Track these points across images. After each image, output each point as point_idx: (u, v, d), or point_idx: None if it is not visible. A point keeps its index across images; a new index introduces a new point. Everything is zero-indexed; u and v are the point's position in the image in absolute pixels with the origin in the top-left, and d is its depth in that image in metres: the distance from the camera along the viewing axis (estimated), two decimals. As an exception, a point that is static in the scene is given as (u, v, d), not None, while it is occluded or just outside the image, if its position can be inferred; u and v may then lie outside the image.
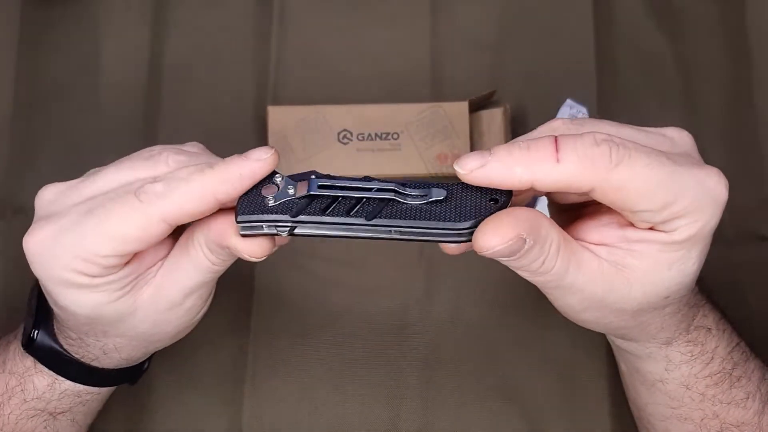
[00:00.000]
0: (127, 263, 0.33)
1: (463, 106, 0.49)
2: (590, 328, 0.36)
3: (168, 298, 0.35)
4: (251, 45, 0.53)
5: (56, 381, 0.39)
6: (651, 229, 0.31)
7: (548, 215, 0.33)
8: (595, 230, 0.32)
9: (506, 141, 0.49)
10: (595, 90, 0.52)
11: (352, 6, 0.54)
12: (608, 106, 0.52)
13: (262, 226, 0.31)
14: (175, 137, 0.52)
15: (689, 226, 0.30)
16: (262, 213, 0.31)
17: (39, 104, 0.53)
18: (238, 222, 0.31)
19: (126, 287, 0.34)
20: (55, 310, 0.36)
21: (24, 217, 0.51)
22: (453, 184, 0.31)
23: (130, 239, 0.32)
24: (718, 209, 0.31)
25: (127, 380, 0.42)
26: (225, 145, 0.52)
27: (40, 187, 0.51)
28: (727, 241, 0.50)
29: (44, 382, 0.39)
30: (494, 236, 0.29)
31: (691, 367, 0.38)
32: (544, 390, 0.48)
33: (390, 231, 0.31)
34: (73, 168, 0.52)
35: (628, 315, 0.34)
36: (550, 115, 0.52)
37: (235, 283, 0.50)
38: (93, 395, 0.40)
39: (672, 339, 0.37)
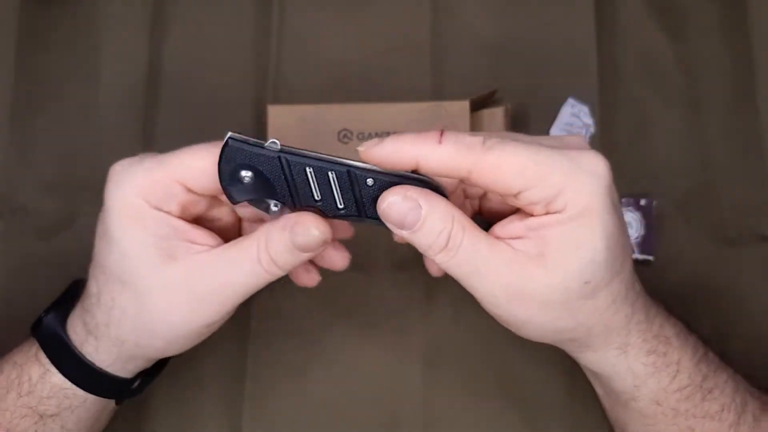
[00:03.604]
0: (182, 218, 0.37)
1: (464, 106, 0.49)
2: (538, 339, 0.37)
3: (197, 291, 0.36)
4: (251, 45, 0.53)
5: (48, 372, 0.39)
6: (548, 214, 0.34)
7: None
8: (503, 228, 0.36)
9: (507, 140, 0.49)
10: (597, 89, 0.52)
11: (352, 5, 0.54)
12: (610, 105, 0.52)
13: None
14: (174, 137, 0.52)
15: (575, 201, 0.33)
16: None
17: (38, 104, 0.53)
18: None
19: (168, 239, 0.36)
20: (96, 248, 0.38)
21: (23, 216, 0.51)
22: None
23: (194, 169, 0.36)
24: (601, 184, 0.34)
25: (113, 393, 0.41)
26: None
27: (39, 186, 0.51)
28: (729, 241, 0.50)
29: (38, 372, 0.39)
30: (389, 193, 0.34)
31: (658, 381, 0.38)
32: (544, 390, 0.48)
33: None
34: (72, 167, 0.52)
35: (560, 309, 0.35)
36: (552, 114, 0.52)
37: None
38: (79, 400, 0.40)
39: (626, 344, 0.37)
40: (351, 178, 0.35)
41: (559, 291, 0.34)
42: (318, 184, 0.35)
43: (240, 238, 0.37)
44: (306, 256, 0.37)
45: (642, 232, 0.49)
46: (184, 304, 0.36)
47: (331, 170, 0.35)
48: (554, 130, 0.51)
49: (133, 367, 0.40)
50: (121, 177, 0.37)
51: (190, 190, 0.37)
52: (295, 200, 0.35)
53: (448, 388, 0.48)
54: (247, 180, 0.35)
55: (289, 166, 0.35)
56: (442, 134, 0.34)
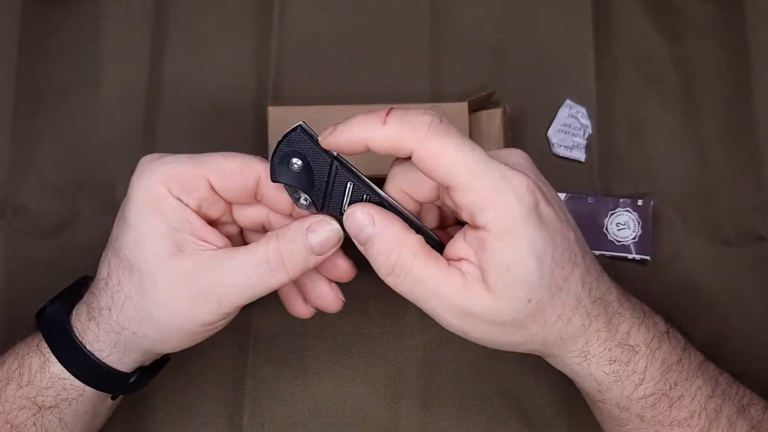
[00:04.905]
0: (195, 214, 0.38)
1: (463, 107, 0.49)
2: (497, 349, 0.38)
3: (198, 286, 0.37)
4: (251, 45, 0.53)
5: (48, 362, 0.39)
6: (478, 228, 0.35)
7: None
8: (452, 248, 0.36)
9: (505, 141, 0.50)
10: (594, 90, 0.52)
11: (351, 6, 0.54)
12: (607, 107, 0.52)
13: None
14: (175, 137, 0.52)
15: (496, 221, 0.34)
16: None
17: (40, 105, 0.53)
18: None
19: (181, 231, 0.37)
20: (114, 232, 0.39)
21: (25, 217, 0.51)
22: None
23: (223, 169, 0.38)
24: (524, 208, 0.34)
25: (110, 387, 0.41)
26: (225, 145, 0.52)
27: (41, 187, 0.52)
28: (726, 241, 0.50)
29: (38, 361, 0.39)
30: (355, 206, 0.36)
31: (622, 389, 0.38)
32: (543, 391, 0.48)
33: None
34: (74, 169, 0.52)
35: (509, 326, 0.36)
36: (550, 115, 0.52)
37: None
38: (77, 392, 0.40)
39: (586, 352, 0.37)
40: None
41: (505, 312, 0.35)
42: (351, 199, 0.37)
43: (252, 244, 0.38)
44: (315, 261, 0.38)
45: (639, 232, 0.50)
46: (184, 297, 0.37)
47: (368, 194, 0.37)
48: (552, 131, 0.52)
49: (129, 360, 0.40)
50: (149, 166, 0.38)
51: (212, 188, 0.38)
52: (325, 203, 0.37)
53: (447, 388, 0.48)
54: (294, 167, 0.37)
55: (336, 172, 0.37)
56: (387, 114, 0.35)
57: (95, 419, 0.42)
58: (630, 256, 0.49)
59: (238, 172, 0.38)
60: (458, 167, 0.34)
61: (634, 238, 0.49)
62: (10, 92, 0.53)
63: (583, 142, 0.52)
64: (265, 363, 0.49)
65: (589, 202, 0.50)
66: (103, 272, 0.39)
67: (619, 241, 0.50)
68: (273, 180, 0.37)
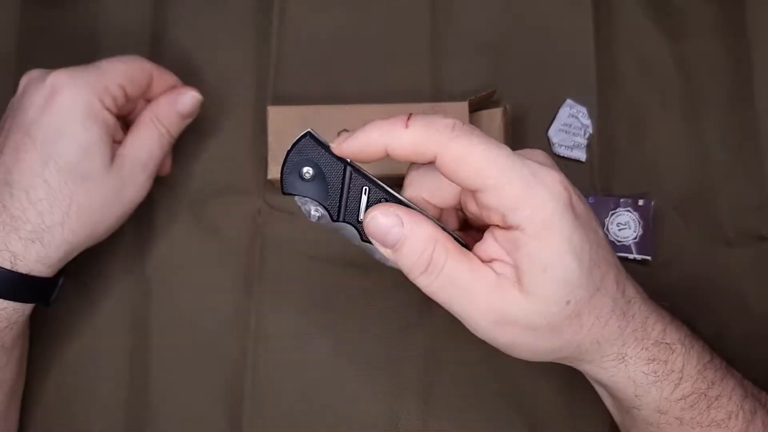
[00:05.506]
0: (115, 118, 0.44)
1: (463, 107, 0.49)
2: (529, 359, 0.36)
3: (137, 174, 0.44)
4: (251, 46, 0.53)
5: None
6: (510, 228, 0.33)
7: None
8: (482, 248, 0.35)
9: (506, 141, 0.50)
10: (595, 90, 0.52)
11: (351, 6, 0.54)
12: (608, 107, 0.52)
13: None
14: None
15: (531, 219, 0.32)
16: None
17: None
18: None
19: (112, 134, 0.44)
20: (48, 151, 0.41)
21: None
22: None
23: (133, 76, 0.45)
24: (558, 201, 0.33)
25: (50, 295, 0.43)
26: (225, 144, 0.53)
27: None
28: (727, 242, 0.50)
29: None
30: (376, 208, 0.35)
31: (660, 390, 0.37)
32: (543, 391, 0.48)
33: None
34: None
35: (544, 331, 0.34)
36: (551, 114, 0.52)
37: (235, 283, 0.50)
38: (20, 314, 0.42)
39: (624, 354, 0.36)
40: None
41: (541, 315, 0.34)
42: (368, 206, 0.35)
43: (138, 124, 0.46)
44: (188, 121, 0.48)
45: (640, 232, 0.50)
46: (129, 188, 0.44)
47: (385, 198, 0.35)
48: (552, 131, 0.52)
49: (62, 264, 0.43)
50: (79, 81, 0.43)
51: (125, 94, 0.44)
52: (341, 212, 0.36)
53: (447, 388, 0.48)
54: (306, 176, 0.36)
55: (350, 178, 0.35)
56: (409, 118, 0.34)
57: (26, 326, 0.45)
58: (631, 256, 0.49)
59: (144, 78, 0.45)
60: (487, 167, 0.32)
61: (635, 238, 0.49)
62: (9, 92, 0.52)
63: (583, 141, 0.52)
64: (265, 363, 0.49)
65: (590, 202, 0.50)
66: (38, 194, 0.41)
67: (619, 241, 0.50)
68: (284, 192, 0.36)
